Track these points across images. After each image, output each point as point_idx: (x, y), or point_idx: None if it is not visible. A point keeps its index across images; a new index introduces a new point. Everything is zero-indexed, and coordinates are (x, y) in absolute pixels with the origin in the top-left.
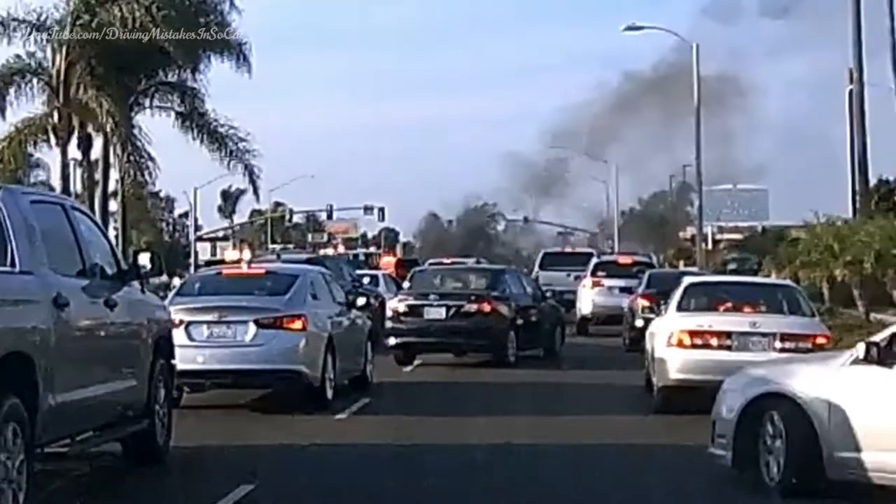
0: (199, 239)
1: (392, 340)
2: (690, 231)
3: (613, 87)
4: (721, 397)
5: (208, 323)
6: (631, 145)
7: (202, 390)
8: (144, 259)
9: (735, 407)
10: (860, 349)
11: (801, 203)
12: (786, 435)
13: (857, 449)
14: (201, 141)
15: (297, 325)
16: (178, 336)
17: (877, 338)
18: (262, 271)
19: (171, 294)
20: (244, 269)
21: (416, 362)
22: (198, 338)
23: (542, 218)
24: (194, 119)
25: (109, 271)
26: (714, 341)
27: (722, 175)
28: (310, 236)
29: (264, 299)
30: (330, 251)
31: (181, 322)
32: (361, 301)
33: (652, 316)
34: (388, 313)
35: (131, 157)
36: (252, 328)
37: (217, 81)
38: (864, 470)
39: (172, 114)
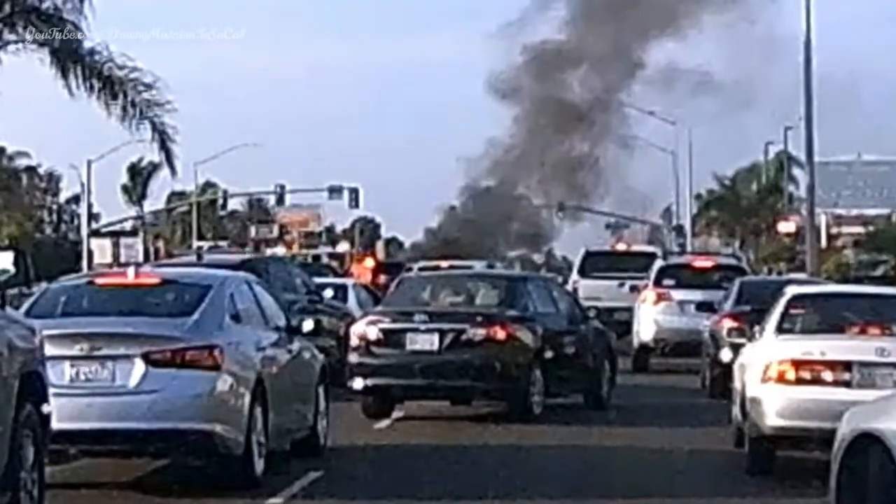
0: (96, 233)
1: (359, 382)
2: (795, 222)
3: None
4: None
5: (73, 359)
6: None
7: (66, 460)
8: (5, 261)
9: (836, 451)
10: None
11: None
12: (871, 488)
13: None
14: (88, 88)
15: (208, 361)
16: None
17: None
18: (157, 280)
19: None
20: (130, 276)
21: (394, 415)
22: (58, 381)
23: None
24: (77, 58)
25: None
26: (828, 375)
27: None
28: (253, 229)
29: (159, 322)
30: (280, 250)
31: None
32: (308, 325)
33: (743, 342)
34: (354, 341)
35: None
36: (139, 366)
37: (118, 8)
38: None
39: (46, 51)
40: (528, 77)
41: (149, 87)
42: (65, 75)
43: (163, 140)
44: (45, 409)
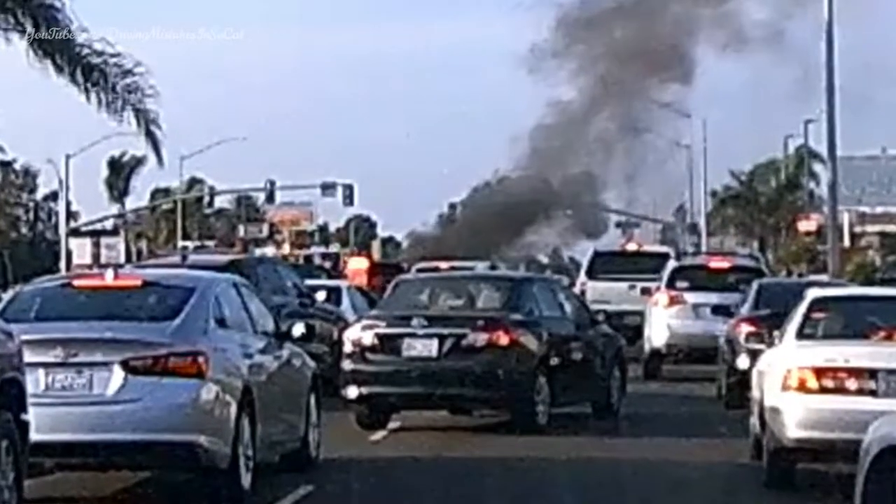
0: (75, 232)
1: (352, 391)
2: (816, 220)
3: None
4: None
5: (48, 366)
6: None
7: (41, 474)
8: None
9: (861, 464)
10: None
11: None
12: None
13: None
14: (69, 75)
15: (192, 368)
16: None
17: None
18: (138, 282)
19: None
20: (109, 278)
21: (390, 425)
22: (31, 389)
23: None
24: (56, 43)
25: None
26: (852, 383)
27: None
28: (241, 228)
29: (139, 327)
30: (270, 250)
31: None
32: (299, 330)
33: (761, 348)
34: (347, 347)
35: None
36: (118, 374)
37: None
38: None
39: (23, 37)
40: (578, 42)
41: (129, 72)
42: (45, 61)
43: (148, 126)
44: (25, 417)
